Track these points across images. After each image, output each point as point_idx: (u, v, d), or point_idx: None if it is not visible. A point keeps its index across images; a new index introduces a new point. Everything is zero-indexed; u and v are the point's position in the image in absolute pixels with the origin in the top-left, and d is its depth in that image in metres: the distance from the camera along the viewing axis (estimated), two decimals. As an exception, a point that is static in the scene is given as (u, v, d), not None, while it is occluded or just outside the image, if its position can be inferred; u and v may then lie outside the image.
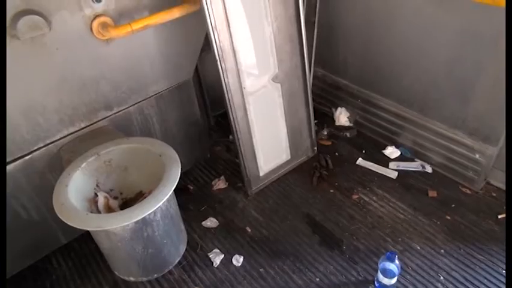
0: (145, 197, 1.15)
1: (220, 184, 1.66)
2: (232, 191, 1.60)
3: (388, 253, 1.13)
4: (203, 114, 1.70)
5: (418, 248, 1.35)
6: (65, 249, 1.44)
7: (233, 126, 1.40)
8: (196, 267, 1.35)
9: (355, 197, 1.54)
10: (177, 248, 1.31)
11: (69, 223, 0.96)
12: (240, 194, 1.59)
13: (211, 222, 1.51)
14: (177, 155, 1.15)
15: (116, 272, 1.30)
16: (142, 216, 0.98)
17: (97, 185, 1.20)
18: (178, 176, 1.07)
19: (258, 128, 1.49)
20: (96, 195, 1.18)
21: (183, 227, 1.35)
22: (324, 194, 1.57)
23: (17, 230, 1.24)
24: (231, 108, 1.37)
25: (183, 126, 1.57)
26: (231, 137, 1.86)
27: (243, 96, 1.39)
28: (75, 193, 1.08)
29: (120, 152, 1.20)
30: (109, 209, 1.18)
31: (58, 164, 1.24)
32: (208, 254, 1.39)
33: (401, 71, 1.55)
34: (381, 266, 1.16)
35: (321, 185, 1.63)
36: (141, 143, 1.21)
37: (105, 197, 1.18)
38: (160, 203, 0.99)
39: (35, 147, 1.18)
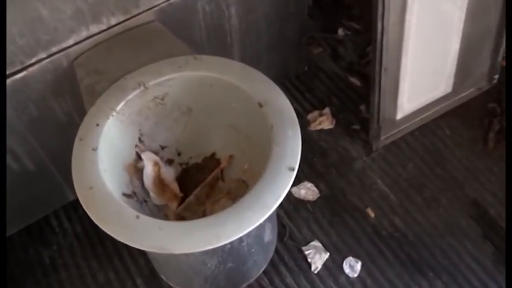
0: (222, 169, 1.07)
1: (323, 121, 1.51)
2: (343, 137, 1.46)
3: None
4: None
5: None
6: (72, 208, 1.39)
7: (378, 36, 1.20)
8: (284, 268, 1.26)
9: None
10: (265, 255, 1.22)
11: (108, 232, 0.83)
12: (357, 145, 1.44)
13: (307, 191, 1.38)
14: (291, 108, 0.96)
15: (162, 277, 1.23)
16: (237, 237, 0.82)
17: (140, 139, 1.04)
18: (299, 158, 0.89)
19: (414, 41, 1.28)
20: (138, 157, 1.03)
21: (276, 222, 1.24)
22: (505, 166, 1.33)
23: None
24: (382, 6, 1.15)
25: (276, 21, 1.40)
26: (340, 31, 1.72)
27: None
28: (108, 160, 0.93)
29: (182, 84, 1.02)
30: (161, 184, 1.05)
31: (68, 85, 1.12)
32: (303, 247, 1.29)
33: None
34: None
35: (501, 147, 1.42)
36: (222, 71, 1.01)
37: (155, 163, 1.03)
38: (266, 216, 0.83)
39: (33, 60, 1.05)
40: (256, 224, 0.83)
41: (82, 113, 1.06)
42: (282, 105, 0.97)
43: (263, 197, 0.85)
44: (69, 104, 1.12)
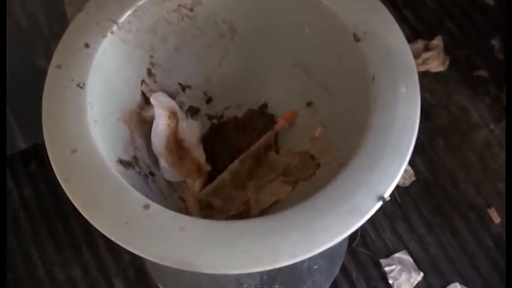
0: (277, 132, 1.06)
1: (430, 59, 1.50)
2: (460, 88, 1.45)
3: None
4: None
5: None
6: (21, 162, 1.44)
7: None
8: (350, 290, 1.23)
9: None
10: (330, 272, 1.25)
11: (100, 228, 0.83)
12: (482, 103, 1.43)
13: (395, 171, 1.35)
14: (408, 48, 0.96)
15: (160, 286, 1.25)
16: (307, 256, 0.81)
17: (149, 72, 1.05)
18: (415, 135, 0.92)
19: None
20: (145, 101, 1.04)
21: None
22: None
23: None
24: None
25: None
26: None
27: None
28: (100, 104, 0.94)
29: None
30: (178, 148, 1.06)
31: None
32: (382, 260, 1.30)
33: None
34: None
35: None
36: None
37: (171, 113, 1.04)
38: (357, 226, 0.83)
39: None
40: (340, 239, 0.82)
41: (53, 18, 1.07)
42: (392, 41, 0.94)
43: (354, 194, 0.84)
44: (36, 2, 1.12)
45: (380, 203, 0.84)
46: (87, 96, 0.93)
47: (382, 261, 1.31)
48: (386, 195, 0.85)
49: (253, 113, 1.14)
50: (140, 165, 1.01)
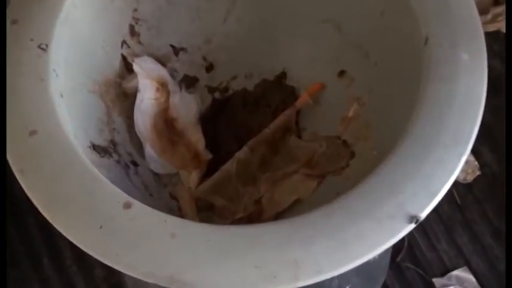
0: (298, 110, 1.08)
1: (501, 16, 1.53)
2: None
3: None
4: None
5: None
6: None
7: None
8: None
9: None
10: None
11: (68, 235, 0.81)
12: None
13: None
14: None
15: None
16: (337, 273, 0.80)
17: (132, 30, 1.06)
18: (480, 115, 0.91)
19: None
20: (127, 68, 1.04)
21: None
22: None
23: None
24: None
25: None
26: None
27: None
28: (68, 72, 0.95)
29: None
30: (169, 131, 1.07)
31: None
32: (435, 279, 1.31)
33: None
34: None
35: None
36: None
37: (160, 84, 1.05)
38: (403, 234, 0.81)
39: None
40: (380, 250, 0.80)
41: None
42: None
43: (399, 192, 0.82)
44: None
45: (433, 205, 0.82)
46: (50, 62, 0.92)
47: (436, 280, 1.31)
48: (440, 196, 0.83)
49: (267, 84, 1.14)
50: (119, 152, 1.01)
